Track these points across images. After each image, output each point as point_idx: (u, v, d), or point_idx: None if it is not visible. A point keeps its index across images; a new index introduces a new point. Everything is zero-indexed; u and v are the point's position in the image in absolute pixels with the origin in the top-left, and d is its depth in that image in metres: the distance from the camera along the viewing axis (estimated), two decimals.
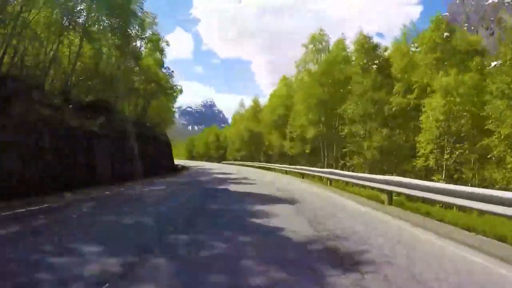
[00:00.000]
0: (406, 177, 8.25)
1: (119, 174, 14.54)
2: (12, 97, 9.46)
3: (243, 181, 14.61)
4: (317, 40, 27.74)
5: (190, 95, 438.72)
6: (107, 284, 2.57)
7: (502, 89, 12.54)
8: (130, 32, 20.98)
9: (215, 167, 32.16)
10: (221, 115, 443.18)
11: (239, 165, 39.03)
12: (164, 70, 28.24)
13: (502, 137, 12.66)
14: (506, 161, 12.67)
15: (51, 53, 16.17)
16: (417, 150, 15.69)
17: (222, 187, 11.64)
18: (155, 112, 30.65)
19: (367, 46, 22.73)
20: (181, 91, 31.34)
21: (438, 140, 14.43)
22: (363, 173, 17.26)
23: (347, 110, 19.70)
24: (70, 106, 14.63)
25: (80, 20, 17.28)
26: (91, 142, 13.73)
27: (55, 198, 7.92)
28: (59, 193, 8.63)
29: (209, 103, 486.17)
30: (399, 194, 7.68)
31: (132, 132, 17.60)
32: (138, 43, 23.68)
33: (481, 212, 5.10)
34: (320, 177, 14.73)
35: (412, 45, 21.98)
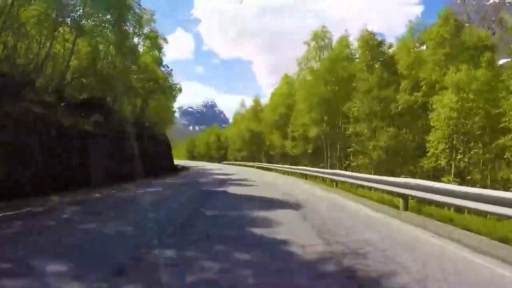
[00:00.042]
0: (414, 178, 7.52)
1: (117, 174, 13.91)
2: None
3: (243, 182, 13.91)
4: (320, 37, 27.01)
5: (191, 95, 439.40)
6: None
7: None
8: (127, 28, 20.37)
9: (216, 168, 31.48)
10: (222, 115, 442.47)
11: (240, 165, 38.33)
12: (162, 69, 27.61)
13: None
14: None
15: (45, 49, 15.59)
16: (426, 150, 14.88)
17: (221, 189, 10.95)
18: (154, 111, 30.05)
19: (371, 43, 22.04)
20: (180, 89, 30.73)
21: (450, 139, 13.62)
22: (368, 174, 16.56)
23: (352, 108, 18.92)
24: (63, 104, 14.04)
25: (75, 16, 16.76)
26: (85, 142, 13.11)
27: (41, 201, 7.34)
28: (47, 196, 8.03)
29: (210, 103, 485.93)
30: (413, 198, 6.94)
31: (130, 131, 17.03)
32: (136, 40, 23.06)
33: None
34: (324, 178, 14.01)
35: (417, 42, 21.27)
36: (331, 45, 26.88)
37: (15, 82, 10.82)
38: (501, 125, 12.58)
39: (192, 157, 73.79)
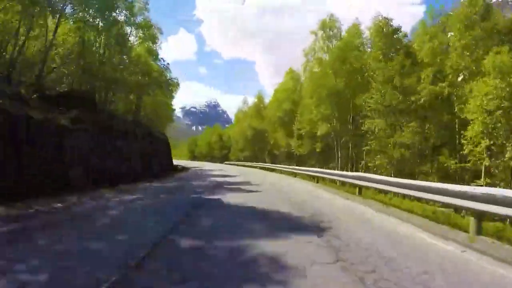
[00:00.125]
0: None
1: (101, 177, 11.98)
2: None
3: (244, 187, 11.85)
4: (328, 26, 24.89)
5: (194, 95, 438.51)
6: None
7: None
8: (116, 16, 18.46)
9: (216, 168, 29.43)
10: (225, 115, 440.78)
11: (242, 165, 36.27)
12: (158, 63, 25.65)
13: None
14: None
15: (22, 38, 13.76)
16: (464, 148, 12.59)
17: (216, 196, 8.87)
18: (151, 108, 28.19)
19: (386, 31, 19.88)
20: (177, 85, 28.74)
21: (495, 134, 11.35)
22: (388, 175, 14.39)
23: (369, 100, 16.68)
24: (34, 96, 12.16)
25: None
26: (62, 140, 11.16)
27: None
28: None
29: (213, 103, 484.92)
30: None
31: (119, 128, 15.28)
32: (128, 30, 21.12)
33: None
34: (334, 180, 11.84)
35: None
36: (340, 34, 24.79)
37: None
38: None
39: (193, 157, 71.89)
